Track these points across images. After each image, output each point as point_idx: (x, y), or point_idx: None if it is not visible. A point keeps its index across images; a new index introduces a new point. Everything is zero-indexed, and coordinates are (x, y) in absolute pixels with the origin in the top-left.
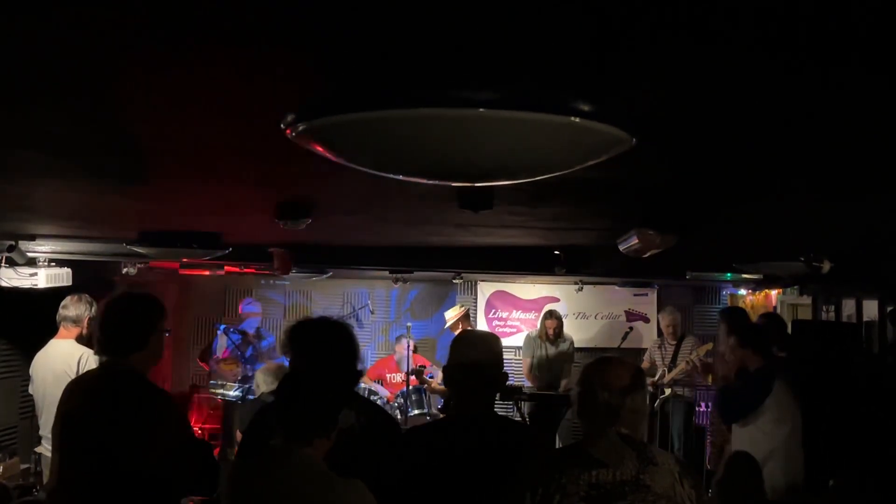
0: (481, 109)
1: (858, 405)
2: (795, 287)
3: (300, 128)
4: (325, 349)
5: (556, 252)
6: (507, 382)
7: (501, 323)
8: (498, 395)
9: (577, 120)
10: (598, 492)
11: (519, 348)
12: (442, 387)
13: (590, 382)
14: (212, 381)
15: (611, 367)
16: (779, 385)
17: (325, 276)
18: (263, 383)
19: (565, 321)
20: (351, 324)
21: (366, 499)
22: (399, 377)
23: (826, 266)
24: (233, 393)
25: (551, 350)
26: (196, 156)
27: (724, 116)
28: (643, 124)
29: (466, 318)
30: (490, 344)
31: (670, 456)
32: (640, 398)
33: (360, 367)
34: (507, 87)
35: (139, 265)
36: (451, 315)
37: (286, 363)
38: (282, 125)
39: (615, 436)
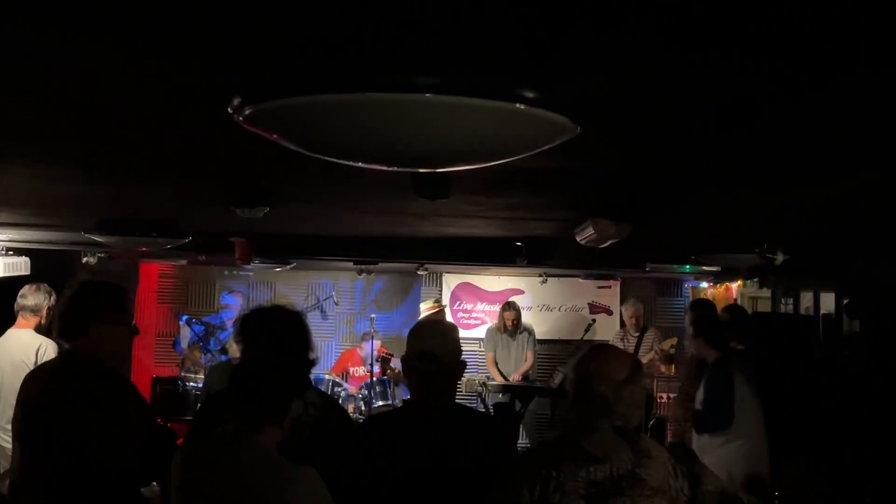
0: (427, 95)
1: (816, 396)
2: (755, 280)
3: (247, 111)
4: (277, 337)
5: (518, 243)
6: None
7: (466, 315)
8: (460, 385)
9: (521, 107)
10: (597, 489)
11: (483, 340)
12: None
13: (586, 373)
14: (184, 369)
15: (609, 358)
16: (739, 381)
17: (288, 266)
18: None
19: (530, 313)
20: (305, 313)
21: (317, 486)
22: (362, 370)
23: (780, 258)
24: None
25: (511, 342)
26: (147, 144)
27: (668, 106)
28: (587, 112)
29: (440, 313)
30: (446, 333)
31: (663, 448)
32: (637, 391)
33: (312, 355)
34: (449, 73)
35: (100, 254)
36: (425, 307)
37: None
38: (229, 109)
39: (609, 429)
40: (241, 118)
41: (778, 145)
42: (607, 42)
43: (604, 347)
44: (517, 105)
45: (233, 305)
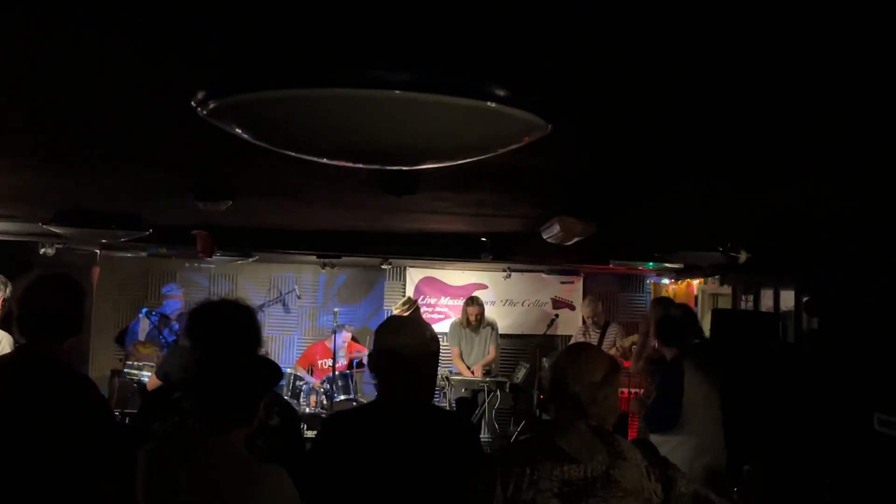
0: (396, 91)
1: (775, 392)
2: (716, 277)
3: (211, 105)
4: (226, 333)
5: (483, 239)
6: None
7: (430, 309)
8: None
9: (492, 105)
10: (571, 488)
11: (446, 334)
12: None
13: (562, 372)
14: (129, 363)
15: (586, 358)
16: (689, 379)
17: (250, 259)
18: None
19: (493, 308)
20: (257, 307)
21: (286, 484)
22: (329, 363)
23: (743, 256)
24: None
25: (474, 336)
26: (105, 135)
27: (636, 106)
28: (558, 110)
29: (414, 313)
30: (411, 331)
31: (637, 450)
32: (612, 391)
33: (261, 351)
34: (419, 70)
35: (58, 246)
36: (396, 310)
37: None
38: (192, 103)
39: (585, 429)
40: (204, 112)
41: (742, 148)
42: (576, 40)
43: (581, 347)
44: (488, 103)
45: (176, 295)
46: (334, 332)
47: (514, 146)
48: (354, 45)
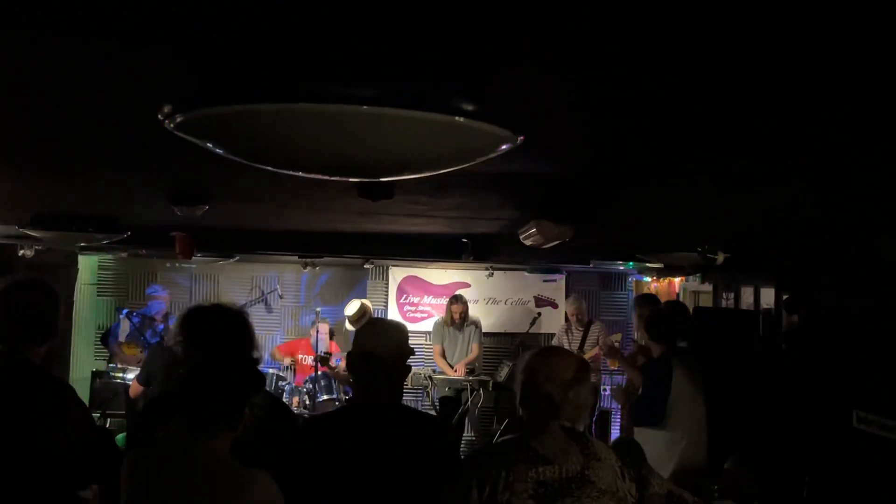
0: (364, 107)
1: (756, 390)
2: (697, 275)
3: (177, 119)
4: (221, 338)
5: (464, 240)
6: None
7: (413, 308)
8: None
9: (461, 119)
10: (546, 489)
11: (429, 333)
12: (346, 374)
13: (534, 373)
14: (111, 366)
15: (556, 359)
16: (678, 376)
17: (232, 259)
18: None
19: (476, 306)
20: (247, 308)
21: (271, 490)
22: (310, 360)
23: (720, 257)
24: (132, 377)
25: (458, 335)
26: (80, 141)
27: (610, 112)
28: (529, 122)
29: (366, 314)
30: (388, 334)
31: (610, 450)
32: (584, 391)
33: (256, 354)
34: (385, 85)
35: (37, 247)
36: (351, 313)
37: None
38: (159, 116)
39: (559, 430)
40: (172, 125)
41: (717, 152)
42: (543, 49)
43: (551, 349)
44: (456, 118)
45: (161, 296)
46: (314, 326)
47: (485, 157)
48: (322, 60)
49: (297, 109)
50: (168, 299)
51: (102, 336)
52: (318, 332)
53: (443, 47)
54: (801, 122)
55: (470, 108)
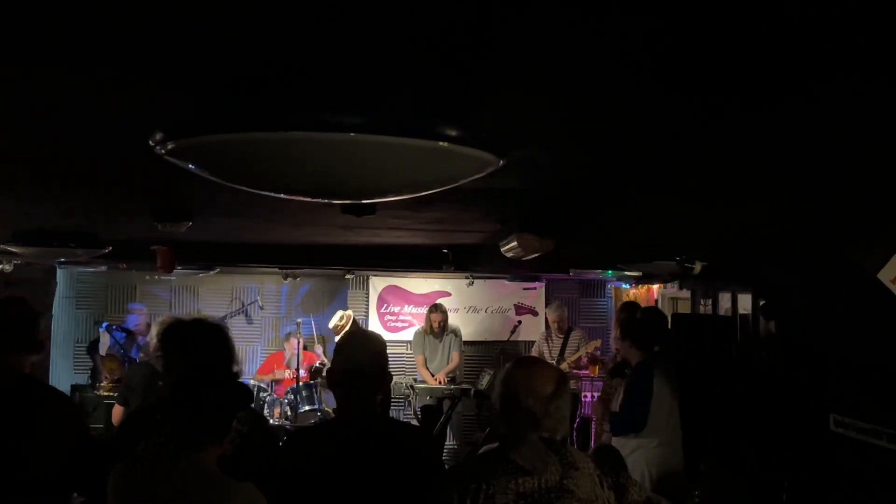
0: (352, 134)
1: (733, 394)
2: (676, 281)
3: (169, 146)
4: (202, 352)
5: (444, 251)
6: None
7: (394, 318)
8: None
9: (445, 144)
10: (526, 501)
11: (410, 343)
12: None
13: (514, 386)
14: (92, 381)
15: (536, 371)
16: (658, 383)
17: (212, 272)
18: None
19: (456, 315)
20: (226, 322)
21: (258, 501)
22: (287, 374)
23: (698, 267)
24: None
25: (437, 343)
26: (64, 162)
27: (589, 131)
28: (510, 144)
29: (353, 326)
30: (370, 347)
31: (588, 459)
32: (564, 404)
33: (236, 368)
34: (372, 113)
35: (15, 262)
36: (337, 323)
37: None
38: (150, 142)
39: (538, 441)
40: (163, 151)
41: (696, 166)
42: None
43: (530, 360)
44: (440, 143)
45: (138, 310)
46: (294, 339)
47: (468, 180)
48: (309, 90)
49: (287, 138)
50: (146, 314)
51: (88, 347)
52: (293, 346)
53: (426, 76)
54: (777, 140)
55: (453, 133)
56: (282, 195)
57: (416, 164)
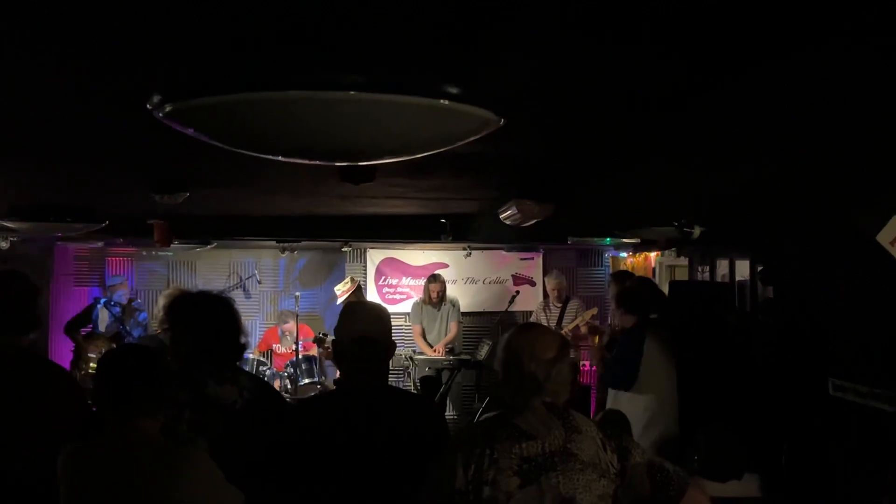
0: (351, 92)
1: (732, 360)
2: (673, 249)
3: (167, 108)
4: (209, 324)
5: (442, 220)
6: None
7: (391, 290)
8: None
9: (446, 102)
10: (530, 465)
11: (409, 315)
12: None
13: (516, 352)
14: (87, 355)
15: (538, 337)
16: (649, 344)
17: (209, 246)
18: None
19: (454, 286)
20: (232, 297)
21: (207, 464)
22: (283, 349)
23: (697, 232)
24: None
25: (436, 313)
26: (59, 132)
27: (588, 93)
28: (511, 104)
29: (358, 291)
30: (378, 315)
31: (591, 423)
32: (565, 368)
33: (243, 340)
34: (372, 70)
35: (12, 239)
36: (342, 289)
37: None
38: (148, 106)
39: (541, 406)
40: (161, 115)
41: (695, 129)
42: (525, 34)
43: (532, 326)
44: (441, 101)
45: (120, 284)
46: (287, 317)
47: (468, 140)
48: (310, 48)
49: (286, 97)
50: (126, 285)
51: (67, 326)
52: (289, 325)
53: (429, 37)
54: (773, 99)
55: (454, 91)
56: (281, 158)
57: (416, 123)
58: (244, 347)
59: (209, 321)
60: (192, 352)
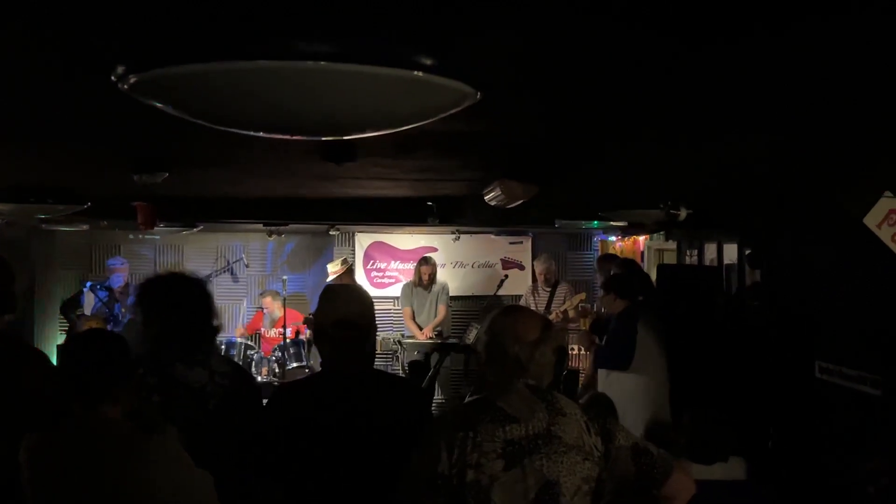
0: (322, 63)
1: (720, 344)
2: (661, 233)
3: (132, 80)
4: (178, 307)
5: (429, 203)
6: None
7: (380, 274)
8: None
9: (420, 74)
10: (514, 448)
11: (397, 298)
12: None
13: (499, 334)
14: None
15: (520, 318)
16: (641, 326)
17: (196, 229)
18: None
19: (443, 270)
20: (209, 279)
21: (174, 448)
22: (274, 332)
23: (683, 213)
24: None
25: (425, 295)
26: (29, 109)
27: (569, 68)
28: (486, 78)
29: (349, 272)
30: (359, 298)
31: (575, 406)
32: (548, 350)
33: (216, 322)
34: (343, 40)
35: None
36: (334, 269)
37: None
38: (112, 77)
39: (524, 388)
40: (125, 87)
41: (679, 105)
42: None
43: (514, 308)
44: (415, 73)
45: (120, 269)
46: (269, 296)
47: (447, 113)
48: (280, 16)
49: (254, 66)
50: (128, 271)
51: (62, 306)
52: (269, 305)
53: (405, 6)
54: (757, 75)
55: (429, 62)
56: (258, 133)
57: (391, 96)
58: (217, 330)
59: (178, 303)
60: (160, 334)
